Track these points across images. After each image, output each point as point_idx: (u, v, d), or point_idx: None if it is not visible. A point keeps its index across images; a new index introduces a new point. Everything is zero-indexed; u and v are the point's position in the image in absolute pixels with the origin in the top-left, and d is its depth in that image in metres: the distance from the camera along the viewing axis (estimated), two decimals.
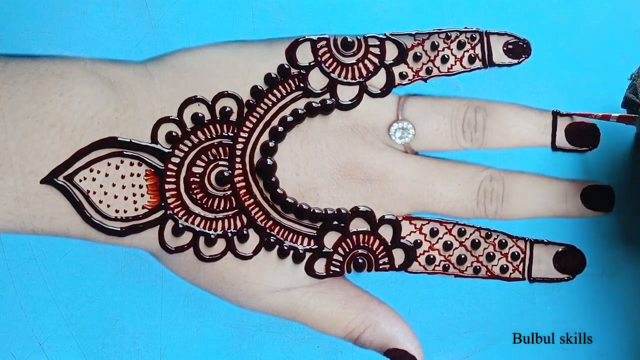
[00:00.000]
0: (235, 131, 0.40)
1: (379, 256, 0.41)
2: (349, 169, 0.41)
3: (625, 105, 0.39)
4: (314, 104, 0.40)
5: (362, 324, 0.41)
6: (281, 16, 0.40)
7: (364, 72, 0.41)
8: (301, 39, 0.40)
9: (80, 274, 0.39)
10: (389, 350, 0.41)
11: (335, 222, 0.41)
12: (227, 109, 0.40)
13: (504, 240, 0.42)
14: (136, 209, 0.39)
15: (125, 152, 0.39)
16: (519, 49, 0.42)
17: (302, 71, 0.40)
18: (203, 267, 0.40)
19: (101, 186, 0.39)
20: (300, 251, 0.41)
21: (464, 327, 0.42)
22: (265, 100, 0.40)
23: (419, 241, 0.42)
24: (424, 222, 0.42)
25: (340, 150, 0.41)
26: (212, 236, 0.40)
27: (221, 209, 0.40)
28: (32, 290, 0.39)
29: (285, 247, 0.40)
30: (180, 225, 0.40)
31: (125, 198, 0.39)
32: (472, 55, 0.42)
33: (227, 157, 0.40)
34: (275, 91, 0.40)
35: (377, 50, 0.41)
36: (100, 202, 0.39)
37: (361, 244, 0.41)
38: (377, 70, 0.41)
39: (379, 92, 0.41)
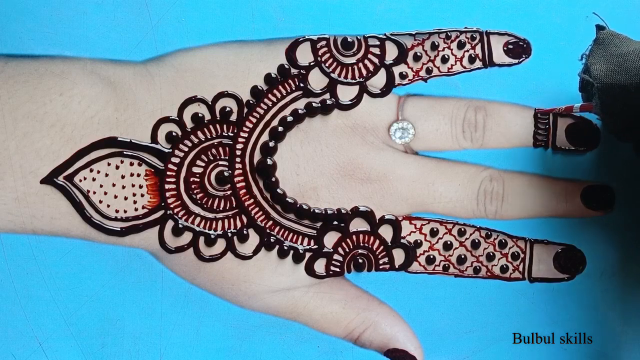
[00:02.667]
0: (235, 131, 0.40)
1: (379, 256, 0.41)
2: (349, 169, 0.41)
3: (581, 88, 0.39)
4: (314, 104, 0.40)
5: (362, 324, 0.41)
6: (281, 16, 0.40)
7: (364, 72, 0.41)
8: (301, 39, 0.40)
9: (80, 274, 0.39)
10: (389, 350, 0.41)
11: (335, 222, 0.41)
12: (227, 109, 0.40)
13: (504, 240, 0.42)
14: (136, 209, 0.39)
15: (125, 152, 0.39)
16: (519, 49, 0.42)
17: (302, 71, 0.40)
18: (203, 267, 0.40)
19: (101, 186, 0.39)
20: (300, 251, 0.41)
21: (464, 327, 0.42)
22: (265, 100, 0.40)
23: (419, 241, 0.42)
24: (424, 222, 0.42)
25: (340, 150, 0.41)
26: (212, 236, 0.40)
27: (221, 209, 0.40)
28: (32, 290, 0.39)
29: (285, 247, 0.40)
30: (180, 225, 0.40)
31: (125, 198, 0.39)
32: (473, 55, 0.42)
33: (227, 157, 0.40)
34: (275, 91, 0.40)
35: (377, 50, 0.41)
36: (100, 202, 0.39)
37: (361, 244, 0.41)
38: (377, 70, 0.41)
39: (379, 92, 0.41)
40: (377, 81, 0.41)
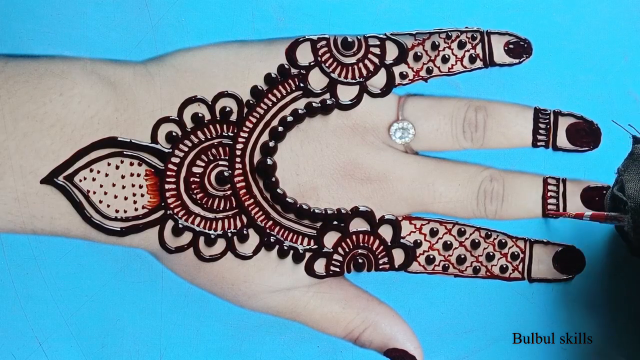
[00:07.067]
0: (235, 131, 0.40)
1: (379, 256, 0.41)
2: (349, 168, 0.41)
3: (611, 201, 0.39)
4: (314, 104, 0.40)
5: (362, 323, 0.41)
6: (281, 16, 0.40)
7: (364, 72, 0.41)
8: (301, 39, 0.40)
9: (80, 274, 0.39)
10: (388, 350, 0.41)
11: (335, 222, 0.41)
12: (227, 109, 0.40)
13: (503, 240, 0.42)
14: (136, 209, 0.39)
15: (125, 152, 0.39)
16: (520, 49, 0.42)
17: (302, 71, 0.40)
18: (203, 267, 0.40)
19: (101, 186, 0.39)
20: (300, 251, 0.41)
21: (464, 327, 0.42)
22: (265, 100, 0.40)
23: (418, 241, 0.42)
24: (424, 222, 0.42)
25: (340, 150, 0.41)
26: (212, 236, 0.40)
27: (221, 209, 0.40)
28: (32, 290, 0.39)
29: (285, 247, 0.40)
30: (180, 225, 0.40)
31: (125, 198, 0.39)
32: (473, 55, 0.42)
33: (227, 157, 0.40)
34: (275, 91, 0.40)
35: (377, 50, 0.41)
36: (100, 202, 0.39)
37: (361, 244, 0.41)
38: (377, 70, 0.41)
39: (379, 92, 0.41)
40: (377, 81, 0.41)
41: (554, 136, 0.42)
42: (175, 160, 0.40)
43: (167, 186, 0.40)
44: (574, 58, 0.42)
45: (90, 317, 0.40)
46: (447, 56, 0.41)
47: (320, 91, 0.41)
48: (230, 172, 0.40)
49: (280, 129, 0.40)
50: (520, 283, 0.42)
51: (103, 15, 0.39)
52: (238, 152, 0.40)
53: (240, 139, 0.40)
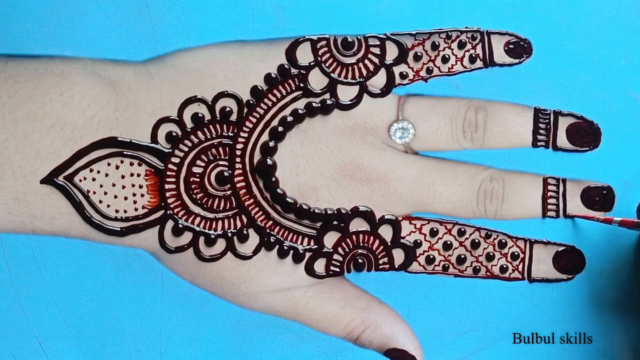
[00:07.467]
0: (235, 131, 0.40)
1: (379, 256, 0.41)
2: (349, 169, 0.41)
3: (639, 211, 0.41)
4: (314, 104, 0.40)
5: (362, 324, 0.41)
6: (281, 16, 0.40)
7: (364, 72, 0.41)
8: (301, 39, 0.40)
9: (80, 274, 0.39)
10: (388, 350, 0.41)
11: (335, 222, 0.41)
12: (227, 109, 0.40)
13: (503, 240, 0.42)
14: (136, 209, 0.39)
15: (125, 152, 0.39)
16: (520, 49, 0.42)
17: (302, 71, 0.40)
18: (203, 267, 0.40)
19: (101, 186, 0.39)
20: (300, 251, 0.41)
21: (464, 327, 0.42)
22: (265, 100, 0.40)
23: (418, 241, 0.42)
24: (424, 222, 0.42)
25: (340, 150, 0.41)
26: (212, 236, 0.40)
27: (221, 209, 0.40)
28: (32, 290, 0.39)
29: (285, 247, 0.40)
30: (180, 225, 0.40)
31: (125, 198, 0.39)
32: (473, 55, 0.42)
33: (227, 157, 0.40)
34: (275, 91, 0.40)
35: (377, 50, 0.41)
36: (100, 202, 0.39)
37: (361, 244, 0.41)
38: (378, 70, 0.41)
39: (379, 92, 0.41)
40: (377, 81, 0.41)
41: (554, 136, 0.42)
42: (175, 160, 0.40)
43: (167, 186, 0.40)
44: (574, 58, 0.42)
45: (90, 317, 0.40)
46: (447, 56, 0.41)
47: (320, 91, 0.41)
48: (230, 172, 0.40)
49: (280, 129, 0.40)
50: (520, 283, 0.42)
51: (103, 15, 0.39)
52: (238, 152, 0.40)
53: (240, 139, 0.40)
